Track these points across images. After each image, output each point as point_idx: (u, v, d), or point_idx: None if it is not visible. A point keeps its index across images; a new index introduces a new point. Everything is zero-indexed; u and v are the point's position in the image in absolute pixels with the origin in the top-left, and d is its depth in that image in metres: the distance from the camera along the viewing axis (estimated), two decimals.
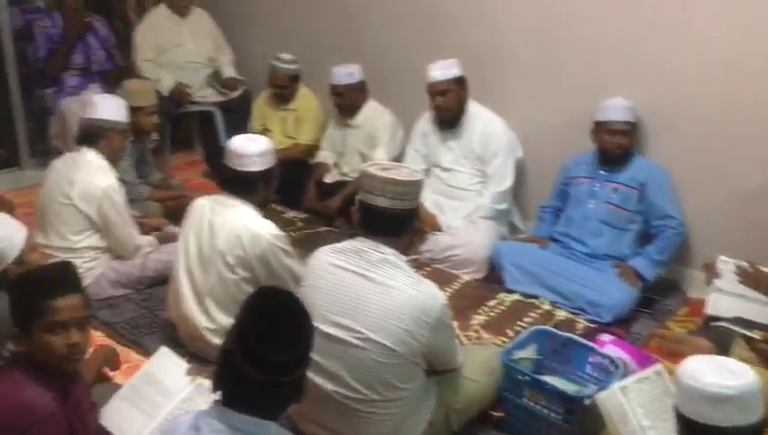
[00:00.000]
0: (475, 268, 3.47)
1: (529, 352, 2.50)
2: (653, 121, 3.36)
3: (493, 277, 3.44)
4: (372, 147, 4.09)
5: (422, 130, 3.85)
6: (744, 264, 2.53)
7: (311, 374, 1.86)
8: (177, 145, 5.09)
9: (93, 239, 3.21)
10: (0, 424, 1.73)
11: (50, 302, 1.75)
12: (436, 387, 2.31)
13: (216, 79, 4.95)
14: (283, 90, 4.46)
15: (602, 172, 3.32)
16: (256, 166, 2.69)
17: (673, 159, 3.29)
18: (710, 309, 2.57)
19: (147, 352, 2.84)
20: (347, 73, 4.04)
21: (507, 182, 3.62)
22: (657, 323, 3.12)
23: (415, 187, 2.21)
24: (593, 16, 3.47)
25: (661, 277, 3.29)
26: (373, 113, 4.12)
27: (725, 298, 2.56)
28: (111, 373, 2.44)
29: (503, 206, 3.64)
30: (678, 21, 3.21)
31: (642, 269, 3.18)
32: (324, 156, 4.35)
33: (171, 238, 3.47)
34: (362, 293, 2.12)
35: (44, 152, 4.92)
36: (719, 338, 2.27)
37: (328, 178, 4.29)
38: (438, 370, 2.30)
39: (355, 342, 2.11)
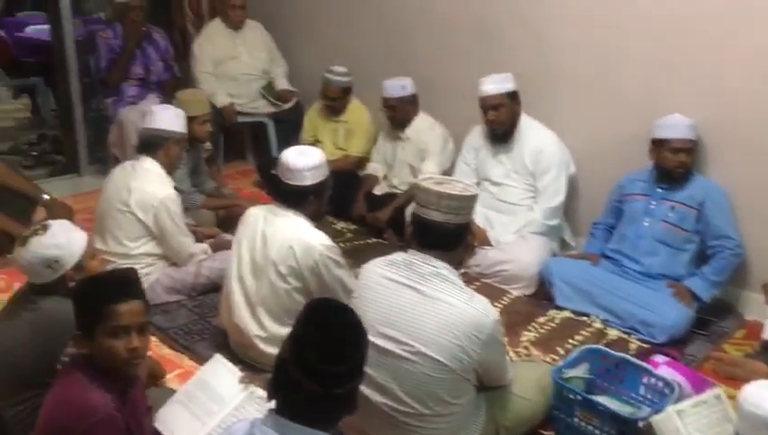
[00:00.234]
0: (525, 284, 3.45)
1: (581, 371, 2.46)
2: (710, 139, 3.29)
3: (542, 294, 3.41)
4: (422, 159, 4.10)
5: (473, 144, 3.84)
6: None
7: (361, 386, 1.87)
8: (229, 155, 5.19)
9: (149, 246, 3.28)
10: (62, 425, 1.78)
11: (113, 306, 1.80)
12: (486, 403, 2.29)
13: (269, 90, 5.02)
14: (335, 102, 4.51)
15: (659, 190, 3.26)
16: (308, 180, 2.70)
17: (731, 177, 3.22)
18: None
19: (199, 357, 2.89)
20: (400, 86, 4.07)
21: (559, 198, 3.59)
22: (713, 346, 3.05)
23: (469, 201, 2.21)
24: (649, 31, 3.42)
25: (717, 299, 3.21)
26: (424, 126, 4.13)
27: None
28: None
29: (554, 221, 3.60)
30: (737, 35, 3.15)
31: (698, 290, 3.11)
32: (374, 168, 4.38)
33: (224, 246, 3.52)
34: (414, 306, 2.12)
35: (102, 160, 5.09)
36: None
37: (377, 190, 4.31)
38: (488, 386, 2.29)
39: (406, 355, 2.11)
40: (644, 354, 2.82)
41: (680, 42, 3.32)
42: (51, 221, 2.31)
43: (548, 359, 2.85)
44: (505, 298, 3.34)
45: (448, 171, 4.01)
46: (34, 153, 5.65)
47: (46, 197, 3.88)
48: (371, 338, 2.04)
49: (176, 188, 3.38)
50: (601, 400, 2.35)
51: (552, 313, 3.24)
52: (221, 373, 2.29)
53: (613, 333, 3.07)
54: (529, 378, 2.40)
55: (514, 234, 3.59)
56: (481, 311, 2.11)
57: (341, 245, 3.76)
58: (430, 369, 2.09)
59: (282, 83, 5.07)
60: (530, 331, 3.09)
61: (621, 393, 2.45)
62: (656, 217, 3.24)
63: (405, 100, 4.08)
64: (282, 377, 1.62)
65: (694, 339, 3.07)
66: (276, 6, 5.19)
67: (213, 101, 4.61)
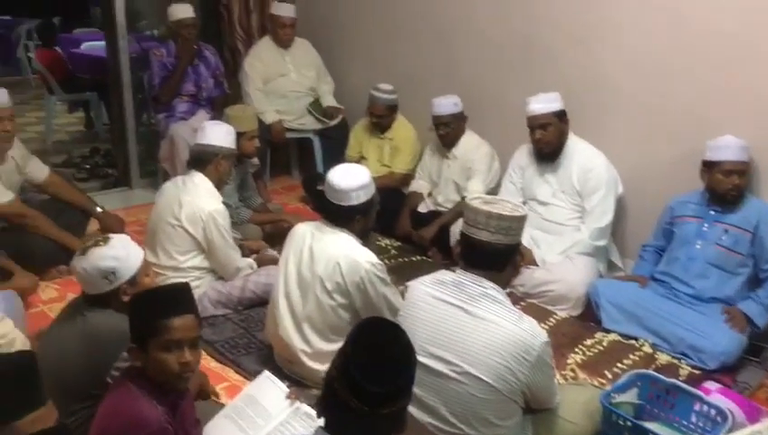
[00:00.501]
0: (571, 305, 3.41)
1: (630, 397, 2.42)
2: (764, 160, 3.22)
3: (589, 315, 3.36)
4: (468, 178, 4.09)
5: (519, 163, 3.83)
6: None
7: None
8: (275, 170, 5.26)
9: (198, 260, 3.34)
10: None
11: (166, 321, 1.83)
12: (532, 426, 2.26)
13: (316, 107, 5.08)
14: (381, 119, 4.54)
15: (712, 212, 3.19)
16: (354, 200, 2.70)
17: None
18: None
19: (244, 371, 2.93)
20: (452, 103, 4.07)
21: (607, 218, 3.54)
22: (766, 373, 2.97)
23: (518, 222, 2.19)
24: (701, 49, 3.38)
25: None
26: (471, 144, 4.13)
27: None
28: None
29: (601, 242, 3.56)
30: None
31: (753, 314, 3.03)
32: (419, 185, 4.39)
33: (269, 261, 3.57)
34: (462, 326, 2.12)
35: (153, 173, 5.20)
36: None
37: (422, 208, 4.32)
38: (535, 408, 2.26)
39: (453, 375, 2.10)
40: (695, 381, 2.76)
41: (733, 60, 3.27)
42: (111, 234, 2.36)
43: (595, 382, 2.80)
44: (552, 319, 3.31)
45: (494, 190, 4.01)
46: (87, 166, 5.79)
47: (99, 209, 3.99)
48: (419, 357, 2.04)
49: (224, 203, 3.43)
50: (652, 426, 2.30)
51: (600, 335, 3.19)
52: (268, 389, 2.30)
53: (663, 358, 3.02)
54: (576, 401, 2.36)
55: (560, 254, 3.56)
56: (530, 332, 2.10)
57: (386, 262, 3.77)
58: (477, 390, 2.08)
59: (328, 100, 5.12)
60: (577, 353, 3.05)
61: (672, 420, 2.40)
62: (708, 239, 3.17)
63: (457, 117, 4.08)
64: (330, 395, 1.62)
65: (746, 366, 2.99)
66: (324, 25, 5.26)
67: (262, 118, 4.69)
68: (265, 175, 4.90)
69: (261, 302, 3.31)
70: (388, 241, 4.23)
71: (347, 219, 2.73)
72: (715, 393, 2.51)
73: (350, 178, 2.71)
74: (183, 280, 3.16)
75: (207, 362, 3.01)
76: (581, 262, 3.48)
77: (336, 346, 2.71)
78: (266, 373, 2.40)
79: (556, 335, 3.11)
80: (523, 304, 3.37)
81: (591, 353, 3.06)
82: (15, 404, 1.58)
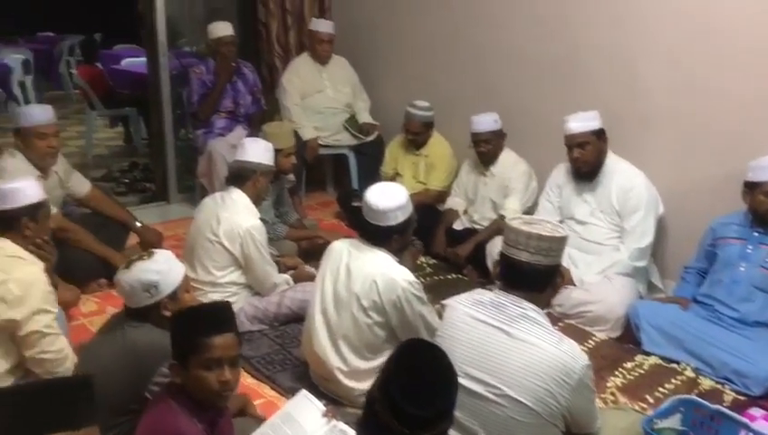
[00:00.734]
0: (610, 327, 3.35)
1: (673, 422, 2.36)
2: None
3: (628, 337, 3.30)
4: (505, 196, 4.07)
5: (557, 182, 3.79)
6: None
7: None
8: (310, 186, 5.28)
9: (235, 275, 3.36)
10: None
11: (207, 339, 1.84)
12: None
13: (352, 123, 5.10)
14: (417, 136, 4.54)
15: (756, 234, 3.12)
16: (391, 221, 2.70)
17: None
18: None
19: (280, 387, 2.93)
20: (492, 120, 4.06)
21: (647, 239, 3.49)
22: None
23: (559, 243, 2.17)
24: (743, 70, 3.33)
25: None
26: (508, 162, 4.11)
27: None
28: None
29: (641, 263, 3.50)
30: None
31: None
32: (454, 202, 4.37)
33: (305, 277, 3.58)
34: (501, 348, 2.10)
35: (190, 188, 5.26)
36: None
37: (457, 225, 4.30)
38: (575, 433, 2.22)
39: (492, 397, 2.08)
40: (739, 407, 2.69)
41: None
42: (155, 249, 2.40)
43: (636, 407, 2.75)
44: (590, 341, 3.26)
45: (531, 209, 3.98)
46: (126, 180, 5.88)
47: (139, 224, 4.05)
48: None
49: (261, 219, 3.45)
50: None
51: (640, 358, 3.13)
52: (305, 407, 2.30)
53: (706, 383, 2.95)
54: (617, 427, 2.32)
55: (599, 274, 3.51)
56: (570, 355, 2.07)
57: (421, 279, 3.73)
58: (516, 413, 2.05)
59: (364, 117, 5.15)
60: (617, 376, 3.00)
61: None
62: (753, 262, 3.10)
63: (496, 134, 4.06)
64: (371, 417, 1.62)
65: None
66: (361, 43, 5.29)
67: (300, 133, 4.73)
68: (301, 191, 4.93)
69: (297, 318, 3.32)
70: (423, 258, 4.21)
71: (384, 239, 2.73)
72: (760, 420, 2.45)
73: (388, 199, 2.70)
74: (220, 295, 3.27)
75: (244, 378, 3.01)
76: (621, 282, 3.43)
77: (371, 364, 2.75)
78: (304, 392, 2.40)
79: (595, 358, 3.05)
80: (560, 324, 3.33)
81: (632, 377, 3.00)
82: (66, 422, 1.60)
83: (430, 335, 2.67)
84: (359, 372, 2.76)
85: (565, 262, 3.51)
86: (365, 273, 2.72)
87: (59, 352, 2.51)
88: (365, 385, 2.73)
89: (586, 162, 3.56)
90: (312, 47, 5.09)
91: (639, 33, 3.72)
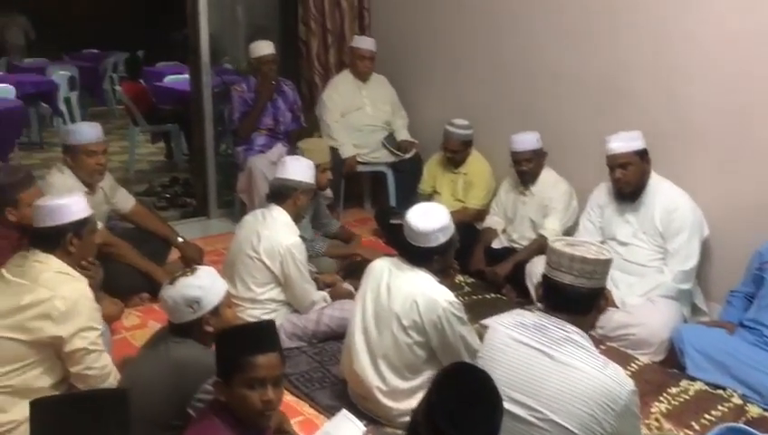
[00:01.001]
0: (653, 350, 3.29)
1: None
2: None
3: (671, 361, 3.24)
4: (544, 215, 4.03)
5: (598, 202, 3.75)
6: None
7: None
8: (348, 202, 5.30)
9: (275, 292, 3.38)
10: None
11: (251, 358, 1.86)
12: None
13: (391, 141, 5.12)
14: (456, 154, 4.54)
15: None
16: (432, 242, 2.69)
17: None
18: None
19: (318, 405, 2.93)
20: (534, 139, 4.03)
21: (692, 261, 3.42)
22: None
23: (603, 265, 2.15)
24: None
25: None
26: (548, 181, 4.07)
27: None
28: None
29: (686, 286, 3.43)
30: None
31: None
32: (493, 221, 4.34)
33: (342, 294, 3.59)
34: (544, 371, 2.07)
35: (230, 203, 5.33)
36: None
37: (496, 244, 4.27)
38: None
39: (535, 422, 2.05)
40: None
41: None
42: (199, 265, 2.43)
43: (681, 434, 2.69)
44: (633, 365, 3.20)
45: (571, 229, 3.94)
46: (167, 195, 5.97)
47: (180, 239, 4.10)
48: None
49: (300, 236, 3.47)
50: None
51: (685, 383, 3.07)
52: (346, 427, 2.31)
53: (754, 410, 2.87)
54: None
55: (641, 296, 3.45)
56: (616, 380, 2.03)
57: (459, 298, 3.72)
58: None
59: (403, 134, 5.16)
60: (661, 402, 2.93)
61: None
62: None
63: (538, 153, 4.04)
64: None
65: None
66: (400, 61, 5.31)
67: (339, 151, 4.77)
68: (339, 207, 4.95)
69: (335, 335, 3.33)
70: (461, 277, 4.19)
71: (425, 259, 2.73)
72: None
73: (430, 221, 2.70)
74: (260, 312, 3.29)
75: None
76: (664, 305, 3.37)
77: (411, 384, 2.74)
78: (344, 411, 2.40)
79: (639, 382, 2.96)
80: (602, 347, 3.27)
81: (677, 403, 2.94)
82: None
83: (471, 356, 2.66)
84: (398, 391, 2.75)
85: (607, 283, 3.47)
86: (405, 292, 2.72)
87: (102, 369, 2.53)
88: (404, 405, 2.72)
89: (628, 183, 3.52)
90: (353, 64, 5.13)
91: (683, 51, 3.67)
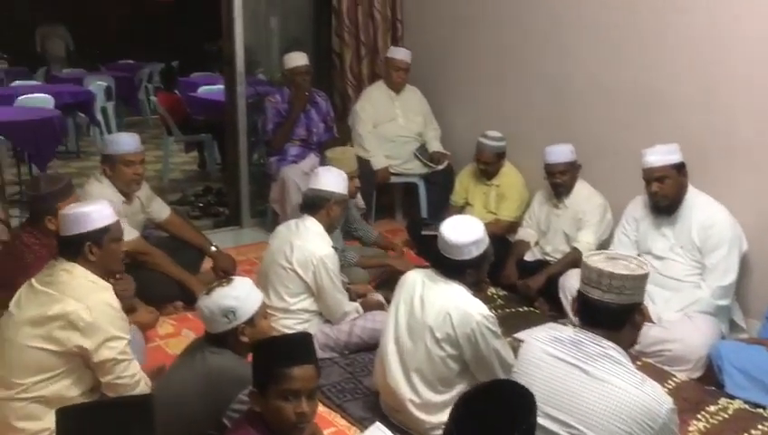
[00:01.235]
0: (690, 367, 3.23)
1: None
2: None
3: (709, 379, 3.17)
4: (578, 228, 3.99)
5: (633, 215, 3.70)
6: None
7: None
8: (380, 213, 5.30)
9: (307, 302, 3.39)
10: None
11: (287, 370, 1.86)
12: None
13: (423, 152, 5.12)
14: (489, 166, 4.52)
15: None
16: (466, 256, 2.68)
17: None
18: None
19: (351, 417, 2.93)
20: (569, 151, 4.00)
21: (731, 277, 3.36)
22: None
23: (633, 281, 2.10)
24: None
25: None
26: (582, 194, 4.03)
27: None
28: None
29: (724, 302, 3.37)
30: None
31: None
32: (526, 234, 4.31)
33: (373, 306, 3.59)
34: (581, 387, 2.04)
35: (262, 213, 5.37)
36: None
37: (528, 257, 4.23)
38: None
39: None
40: None
41: None
42: (235, 276, 2.45)
43: None
44: (671, 381, 3.14)
45: (606, 242, 3.89)
46: (201, 204, 6.03)
47: (214, 248, 4.14)
48: None
49: (332, 247, 3.48)
50: None
51: (724, 401, 3.01)
52: None
53: None
54: None
55: (678, 312, 3.39)
56: (654, 398, 2.00)
57: (492, 311, 3.69)
58: None
59: (435, 146, 5.17)
60: (699, 420, 2.88)
61: None
62: None
63: (572, 165, 4.01)
64: None
65: None
66: (431, 72, 5.32)
67: (372, 162, 4.77)
68: (371, 218, 4.96)
69: (367, 347, 3.33)
70: (493, 290, 4.16)
71: (459, 272, 2.72)
72: None
73: (464, 234, 2.69)
74: (293, 322, 3.31)
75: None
76: (702, 321, 3.31)
77: (444, 398, 2.72)
78: (377, 424, 2.37)
79: (677, 399, 2.89)
80: (638, 363, 3.21)
81: (715, 421, 2.88)
82: None
83: (504, 370, 2.64)
84: (430, 404, 2.74)
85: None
86: (439, 305, 2.71)
87: (132, 377, 2.52)
88: (436, 418, 2.71)
89: (665, 196, 3.46)
90: (387, 74, 5.15)
91: (721, 61, 3.62)
